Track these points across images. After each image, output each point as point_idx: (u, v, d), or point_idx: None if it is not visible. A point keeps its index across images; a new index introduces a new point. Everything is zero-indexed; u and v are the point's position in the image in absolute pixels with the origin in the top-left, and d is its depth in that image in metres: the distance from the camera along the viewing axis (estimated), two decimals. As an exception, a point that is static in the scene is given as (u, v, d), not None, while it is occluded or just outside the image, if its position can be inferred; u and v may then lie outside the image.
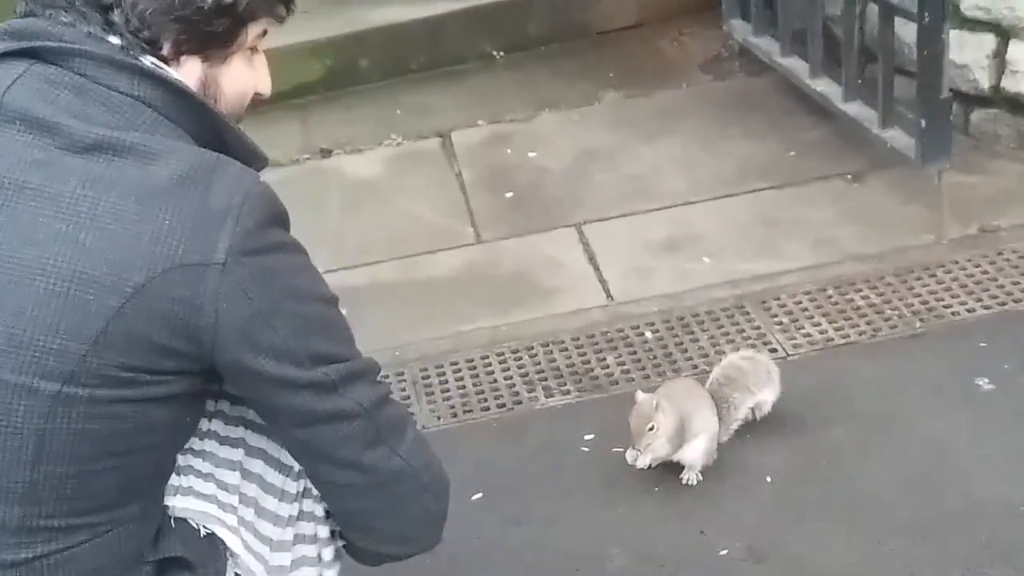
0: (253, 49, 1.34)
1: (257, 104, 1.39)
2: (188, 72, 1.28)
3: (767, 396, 2.25)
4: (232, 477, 1.39)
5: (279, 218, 1.24)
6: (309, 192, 3.40)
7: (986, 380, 2.31)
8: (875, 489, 2.09)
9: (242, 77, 1.33)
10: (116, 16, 1.23)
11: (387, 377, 2.57)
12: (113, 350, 1.16)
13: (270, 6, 1.31)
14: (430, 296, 2.88)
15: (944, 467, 2.12)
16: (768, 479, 2.15)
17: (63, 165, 1.18)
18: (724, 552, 2.00)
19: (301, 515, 1.41)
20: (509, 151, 3.47)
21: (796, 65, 3.31)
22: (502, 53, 4.00)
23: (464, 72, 3.94)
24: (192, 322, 1.17)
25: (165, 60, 1.26)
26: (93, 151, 1.18)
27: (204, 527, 1.35)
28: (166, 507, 1.34)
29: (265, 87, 1.37)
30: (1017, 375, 2.32)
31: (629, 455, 2.08)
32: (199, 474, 1.37)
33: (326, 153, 3.59)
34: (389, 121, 3.70)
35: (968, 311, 2.53)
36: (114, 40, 1.24)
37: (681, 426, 2.10)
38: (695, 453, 2.14)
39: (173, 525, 1.34)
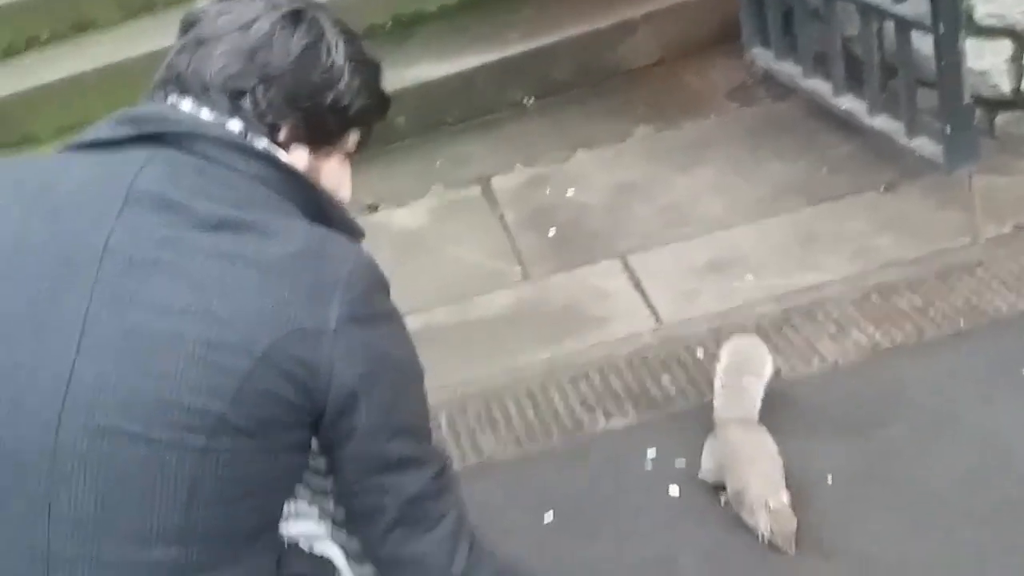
0: (347, 155, 1.50)
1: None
2: (296, 158, 1.42)
3: (770, 370, 2.39)
4: (327, 503, 1.49)
5: (382, 284, 1.37)
6: (360, 246, 3.53)
7: (1033, 370, 2.37)
8: (935, 483, 2.14)
9: (335, 175, 1.48)
10: (245, 102, 1.37)
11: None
12: (248, 406, 1.26)
13: (371, 116, 1.49)
14: (485, 335, 2.97)
15: (1000, 458, 2.17)
16: (829, 480, 2.21)
17: (191, 241, 1.29)
18: (793, 553, 2.07)
19: None
20: (548, 191, 3.57)
21: (820, 86, 3.41)
22: (533, 99, 4.13)
23: (498, 120, 4.07)
24: (310, 383, 1.29)
25: (279, 145, 1.40)
26: (219, 228, 1.29)
27: (313, 547, 1.46)
28: (280, 534, 1.45)
29: (346, 194, 1.52)
30: (1063, 363, 2.37)
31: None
32: (302, 498, 1.47)
33: (372, 208, 3.71)
34: (430, 173, 3.83)
35: (1010, 306, 2.58)
36: (233, 125, 1.37)
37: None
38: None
39: (287, 548, 1.44)
